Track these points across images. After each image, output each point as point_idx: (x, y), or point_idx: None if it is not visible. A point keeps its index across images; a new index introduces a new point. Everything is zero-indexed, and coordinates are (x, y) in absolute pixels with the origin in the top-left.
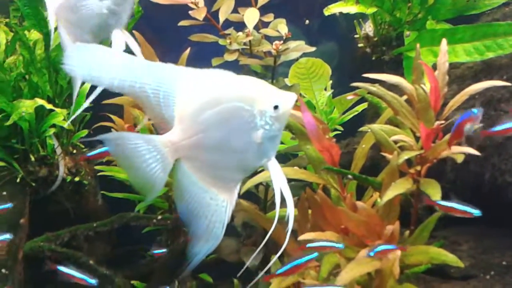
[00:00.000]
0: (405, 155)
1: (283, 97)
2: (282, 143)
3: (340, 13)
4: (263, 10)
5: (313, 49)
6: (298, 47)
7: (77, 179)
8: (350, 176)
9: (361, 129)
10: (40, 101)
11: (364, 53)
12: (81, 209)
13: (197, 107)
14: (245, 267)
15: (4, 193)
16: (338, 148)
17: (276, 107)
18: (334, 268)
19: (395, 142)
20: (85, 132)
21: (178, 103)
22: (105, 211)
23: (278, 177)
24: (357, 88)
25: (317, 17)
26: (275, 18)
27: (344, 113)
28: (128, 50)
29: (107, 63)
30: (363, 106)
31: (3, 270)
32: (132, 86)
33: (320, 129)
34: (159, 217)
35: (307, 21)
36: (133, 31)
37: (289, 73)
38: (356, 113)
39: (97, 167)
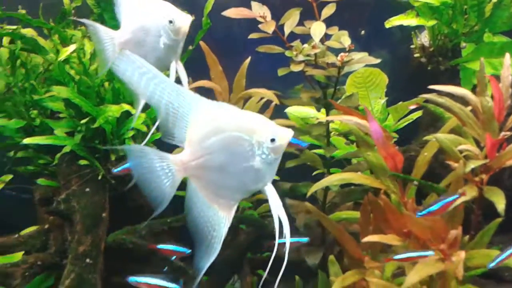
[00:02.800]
0: (472, 164)
1: (281, 132)
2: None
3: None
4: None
5: (377, 60)
6: (362, 59)
7: None
8: (415, 182)
9: (426, 137)
10: (126, 107)
11: (419, 63)
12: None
13: (204, 133)
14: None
15: (87, 189)
16: (402, 156)
17: (273, 140)
18: (396, 268)
19: (460, 151)
20: (158, 135)
21: (190, 127)
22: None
23: (274, 200)
24: (417, 97)
25: (371, 27)
26: (328, 27)
27: (398, 120)
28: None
29: (148, 75)
30: (418, 114)
31: (88, 260)
32: (159, 100)
33: (385, 137)
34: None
35: (362, 32)
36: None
37: (347, 82)
38: (411, 121)
39: None
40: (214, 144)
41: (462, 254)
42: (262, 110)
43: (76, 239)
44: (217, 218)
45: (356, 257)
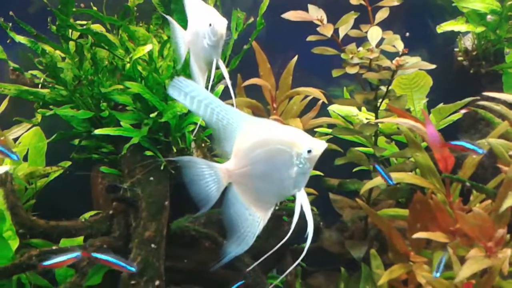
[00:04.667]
0: None
1: (316, 144)
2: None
3: (438, 27)
4: (365, 22)
5: (432, 66)
6: (417, 63)
7: None
8: (468, 184)
9: (478, 141)
10: None
11: (461, 66)
12: None
13: (250, 145)
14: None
15: (151, 178)
16: (453, 158)
17: (309, 151)
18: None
19: (510, 156)
20: (210, 130)
21: (237, 141)
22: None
23: (305, 203)
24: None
25: (415, 29)
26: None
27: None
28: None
29: (204, 96)
30: (458, 115)
31: (152, 245)
32: (210, 118)
33: (440, 140)
34: (276, 207)
35: (407, 34)
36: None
37: (393, 82)
38: (451, 122)
39: (215, 159)
40: (258, 156)
41: (508, 251)
42: (306, 108)
43: (141, 225)
44: (253, 218)
45: (402, 252)
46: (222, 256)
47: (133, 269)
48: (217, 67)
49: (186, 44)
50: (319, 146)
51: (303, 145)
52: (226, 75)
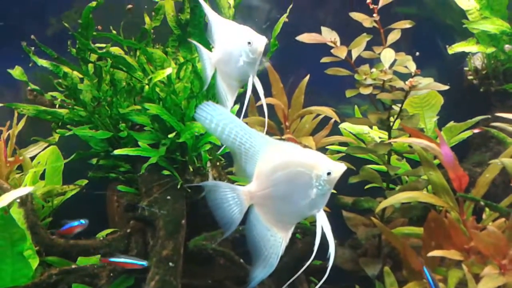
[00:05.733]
0: None
1: (335, 166)
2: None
3: (446, 46)
4: (376, 42)
5: (445, 87)
6: (429, 85)
7: None
8: (482, 203)
9: (491, 161)
10: None
11: (471, 85)
12: None
13: (271, 168)
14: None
15: (168, 197)
16: (467, 177)
17: (329, 173)
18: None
19: None
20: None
21: (258, 165)
22: None
23: (325, 223)
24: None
25: (426, 48)
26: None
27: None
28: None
29: (229, 119)
30: (469, 133)
31: (170, 263)
32: (233, 141)
33: (454, 159)
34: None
35: (417, 53)
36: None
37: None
38: (461, 140)
39: (229, 176)
40: (279, 178)
41: None
42: (318, 126)
43: (159, 244)
44: (275, 239)
45: (416, 270)
46: (249, 281)
47: (144, 264)
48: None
49: (213, 64)
50: (338, 168)
51: (323, 167)
52: (261, 92)
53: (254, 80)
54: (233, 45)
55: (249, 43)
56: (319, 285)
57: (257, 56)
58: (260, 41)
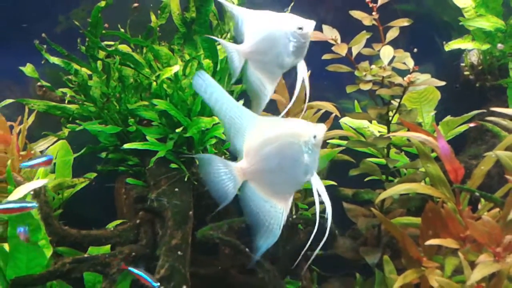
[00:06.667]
0: None
1: (318, 129)
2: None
3: (443, 43)
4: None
5: (442, 83)
6: (427, 80)
7: None
8: (477, 194)
9: (486, 154)
10: (216, 119)
11: (467, 80)
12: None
13: (259, 144)
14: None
15: (176, 189)
16: (463, 170)
17: (315, 137)
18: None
19: None
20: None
21: (246, 141)
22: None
23: (319, 186)
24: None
25: (423, 44)
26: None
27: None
28: None
29: (220, 93)
30: (465, 127)
31: (179, 252)
32: (225, 114)
33: (451, 152)
34: (294, 216)
35: (415, 49)
36: None
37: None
38: (458, 133)
39: None
40: (269, 152)
41: None
42: (319, 120)
43: (168, 234)
44: (275, 209)
45: (415, 258)
46: (254, 252)
47: (156, 285)
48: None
49: (243, 55)
50: (321, 129)
51: (309, 133)
52: (307, 79)
53: (301, 66)
54: (276, 32)
55: (299, 28)
56: None
57: (307, 41)
58: (310, 26)
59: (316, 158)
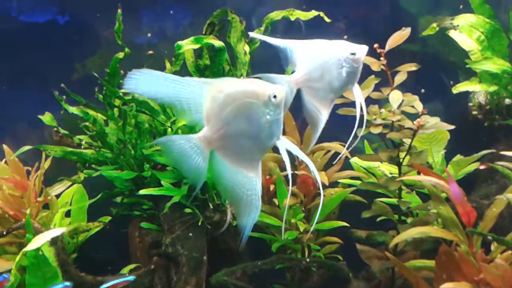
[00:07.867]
0: None
1: (278, 89)
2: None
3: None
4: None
5: (451, 127)
6: (436, 124)
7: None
8: (490, 237)
9: (497, 197)
10: None
11: (475, 119)
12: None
13: (218, 108)
14: None
15: (190, 234)
16: (475, 213)
17: (275, 96)
18: None
19: None
20: None
21: (205, 108)
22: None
23: (290, 146)
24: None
25: (429, 84)
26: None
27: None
28: None
29: (162, 83)
30: (475, 165)
31: None
32: (178, 98)
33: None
34: (308, 259)
35: (422, 90)
36: None
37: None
38: (468, 172)
39: None
40: (229, 114)
41: None
42: (330, 159)
43: (183, 280)
44: (248, 179)
45: None
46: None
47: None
48: None
49: (296, 85)
50: (280, 89)
51: (267, 92)
52: (363, 102)
53: (359, 90)
54: (329, 58)
55: (352, 53)
56: None
57: (360, 65)
58: (363, 51)
59: (280, 121)
